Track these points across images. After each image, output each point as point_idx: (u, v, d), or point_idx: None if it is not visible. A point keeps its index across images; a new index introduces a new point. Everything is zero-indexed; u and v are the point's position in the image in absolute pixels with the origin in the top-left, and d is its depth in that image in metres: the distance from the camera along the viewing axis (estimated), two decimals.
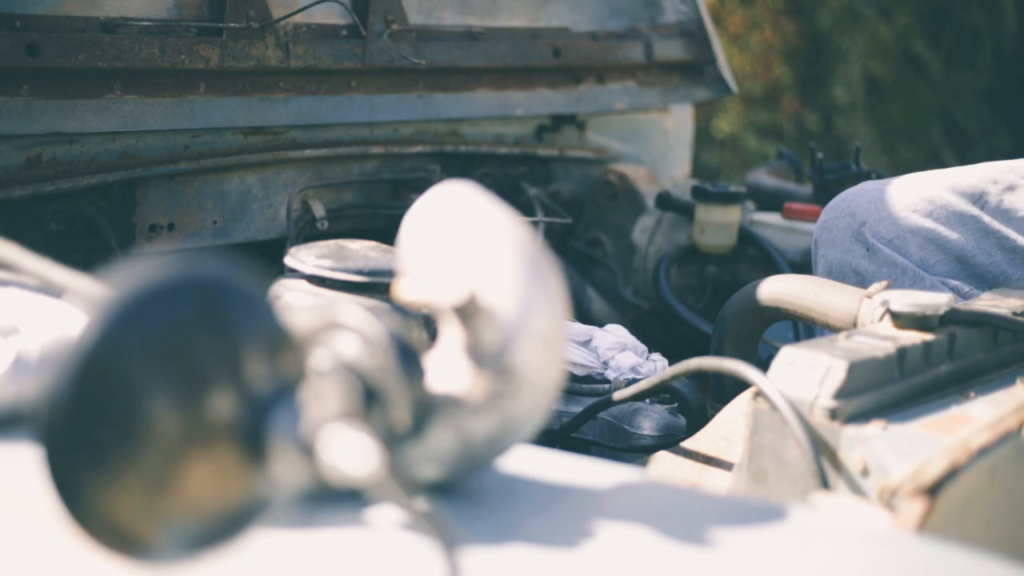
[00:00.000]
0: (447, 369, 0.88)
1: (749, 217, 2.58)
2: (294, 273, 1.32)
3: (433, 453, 0.87)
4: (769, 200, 2.64)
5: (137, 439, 0.66)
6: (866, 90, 6.32)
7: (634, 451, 1.63)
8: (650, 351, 1.84)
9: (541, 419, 0.90)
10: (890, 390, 1.22)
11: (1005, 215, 1.90)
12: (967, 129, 6.35)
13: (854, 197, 1.94)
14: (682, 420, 1.66)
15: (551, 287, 0.89)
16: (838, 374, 1.17)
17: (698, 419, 1.62)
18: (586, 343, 1.81)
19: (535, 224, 2.37)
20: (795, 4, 6.56)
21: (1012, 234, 1.90)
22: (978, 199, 1.91)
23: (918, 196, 1.91)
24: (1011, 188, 1.91)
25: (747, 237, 2.44)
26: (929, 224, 1.89)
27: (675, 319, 2.33)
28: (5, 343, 0.97)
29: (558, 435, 1.62)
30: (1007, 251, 1.89)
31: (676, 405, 1.68)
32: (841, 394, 1.17)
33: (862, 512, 1.05)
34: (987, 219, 1.90)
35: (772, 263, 2.38)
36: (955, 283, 1.87)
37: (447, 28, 2.33)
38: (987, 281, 1.89)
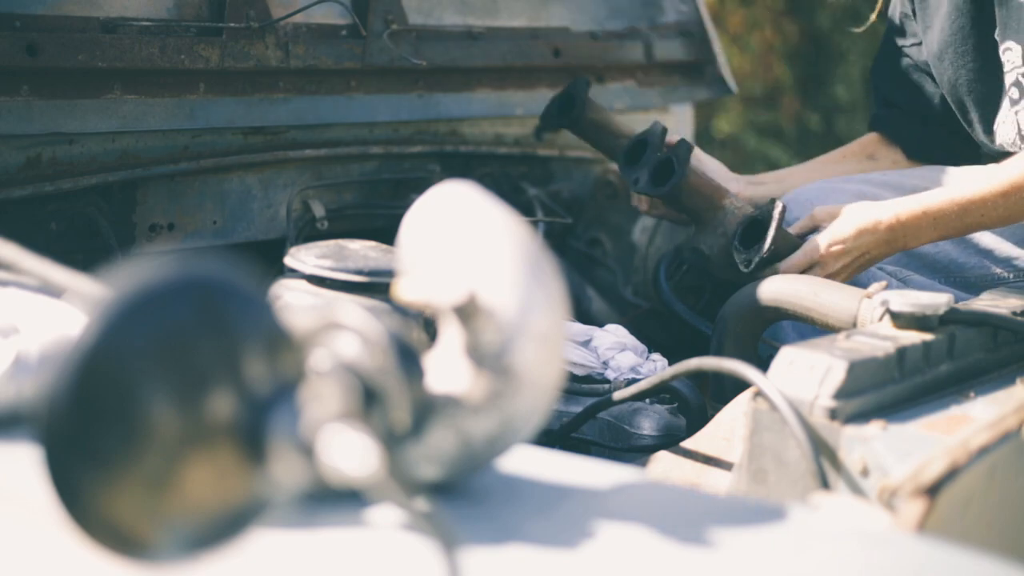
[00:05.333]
0: (447, 369, 0.88)
1: None
2: (294, 273, 1.32)
3: (433, 453, 0.87)
4: None
5: (137, 439, 0.66)
6: (866, 90, 6.31)
7: (634, 451, 1.63)
8: (650, 351, 1.84)
9: (541, 419, 0.90)
10: (890, 390, 1.22)
11: None
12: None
13: (791, 199, 2.02)
14: (682, 420, 1.66)
15: (551, 287, 0.89)
16: (838, 374, 1.17)
17: (698, 419, 1.62)
18: (586, 343, 1.81)
19: (535, 224, 2.37)
20: (795, 4, 6.55)
21: None
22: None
23: (852, 194, 1.97)
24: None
25: None
26: None
27: (675, 319, 2.32)
28: (5, 343, 0.97)
29: (558, 435, 1.62)
30: (955, 241, 1.93)
31: (676, 405, 1.68)
32: (841, 394, 1.17)
33: (862, 512, 1.05)
34: None
35: None
36: (892, 268, 1.90)
37: (447, 28, 2.32)
38: (937, 270, 1.94)
